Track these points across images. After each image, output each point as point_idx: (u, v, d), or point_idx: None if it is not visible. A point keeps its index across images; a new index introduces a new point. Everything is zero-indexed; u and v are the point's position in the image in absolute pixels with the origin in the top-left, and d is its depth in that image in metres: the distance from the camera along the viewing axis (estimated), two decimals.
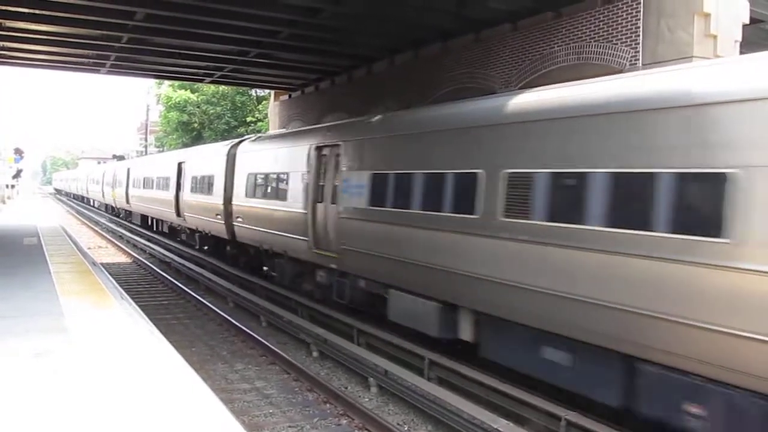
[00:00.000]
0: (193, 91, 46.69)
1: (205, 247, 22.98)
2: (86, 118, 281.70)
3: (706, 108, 6.47)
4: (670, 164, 6.64)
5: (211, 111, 46.13)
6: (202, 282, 18.64)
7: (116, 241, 29.62)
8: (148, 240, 29.07)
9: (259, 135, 22.38)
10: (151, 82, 56.64)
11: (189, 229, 24.59)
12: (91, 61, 21.93)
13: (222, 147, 21.17)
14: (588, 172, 7.50)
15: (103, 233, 33.85)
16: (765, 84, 6.11)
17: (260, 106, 43.76)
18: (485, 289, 8.89)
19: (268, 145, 17.72)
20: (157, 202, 28.90)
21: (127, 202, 36.59)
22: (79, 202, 69.27)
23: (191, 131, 47.87)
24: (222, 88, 43.61)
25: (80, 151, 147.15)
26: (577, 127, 7.82)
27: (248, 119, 44.33)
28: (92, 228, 37.54)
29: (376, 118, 13.12)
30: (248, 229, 17.60)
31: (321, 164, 13.72)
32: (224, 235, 19.63)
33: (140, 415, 4.93)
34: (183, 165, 24.98)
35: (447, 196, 9.81)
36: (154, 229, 31.50)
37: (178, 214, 25.05)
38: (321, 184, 13.64)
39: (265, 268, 17.49)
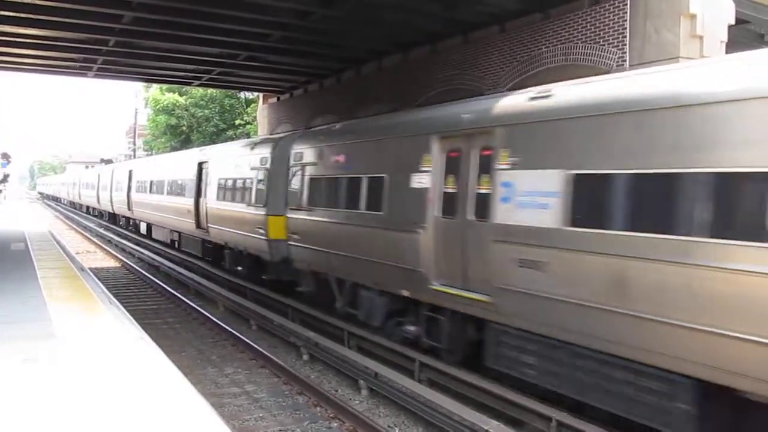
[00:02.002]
0: (181, 94, 46.52)
1: (106, 218, 42.36)
2: (74, 122, 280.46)
3: None
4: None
5: (200, 114, 45.97)
6: (191, 286, 18.57)
7: (105, 246, 29.47)
8: (137, 244, 28.95)
9: (116, 164, 47.83)
10: (139, 86, 56.38)
11: (103, 210, 43.22)
12: (78, 64, 21.83)
13: (108, 167, 44.09)
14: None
15: (92, 238, 33.66)
16: None
17: (249, 108, 43.63)
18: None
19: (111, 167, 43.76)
20: (91, 197, 47.65)
21: (79, 198, 56.33)
22: (60, 204, 76.03)
23: (179, 134, 47.70)
24: (210, 91, 43.49)
25: (68, 155, 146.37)
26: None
27: (237, 122, 44.19)
28: (80, 233, 37.33)
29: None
30: (119, 206, 35.91)
31: (130, 179, 33.02)
32: (111, 210, 39.25)
33: (130, 421, 4.90)
34: (100, 175, 43.44)
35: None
36: (90, 213, 50.71)
37: (98, 202, 44.05)
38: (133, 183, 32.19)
39: (120, 222, 37.00)
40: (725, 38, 12.00)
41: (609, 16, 12.74)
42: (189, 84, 29.75)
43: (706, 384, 6.17)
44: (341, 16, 15.41)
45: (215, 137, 42.84)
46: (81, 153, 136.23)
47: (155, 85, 46.72)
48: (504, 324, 8.46)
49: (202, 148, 26.17)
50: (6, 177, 54.21)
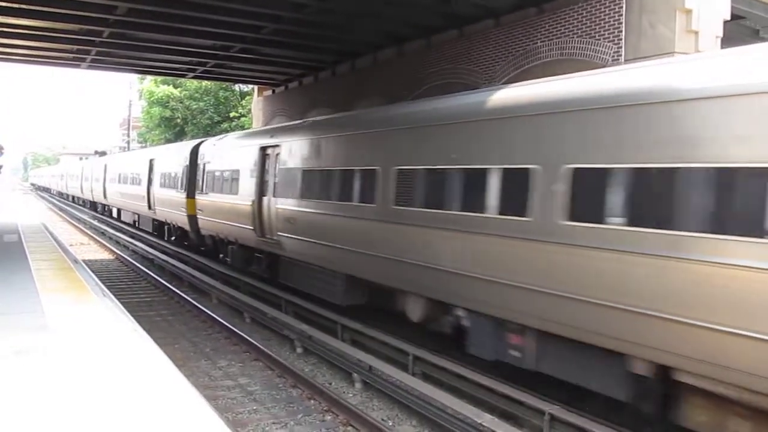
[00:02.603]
0: (175, 86, 46.31)
1: (87, 206, 48.84)
2: (69, 114, 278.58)
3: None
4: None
5: (194, 106, 45.78)
6: (185, 279, 18.55)
7: (98, 238, 29.39)
8: (131, 237, 28.87)
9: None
10: (133, 77, 56.07)
11: (85, 199, 49.14)
12: (72, 55, 21.70)
13: (89, 162, 50.45)
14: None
15: (86, 230, 33.56)
16: None
17: (244, 101, 43.47)
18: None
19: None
20: (75, 187, 54.63)
21: (66, 189, 64.30)
22: (50, 194, 79.97)
23: (174, 127, 47.49)
24: (205, 83, 43.31)
25: (62, 146, 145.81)
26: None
27: (231, 114, 44.04)
28: (74, 225, 37.21)
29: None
30: (97, 194, 41.81)
31: (105, 172, 38.17)
32: (91, 198, 45.49)
33: (123, 413, 4.89)
34: (83, 168, 49.69)
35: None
36: (75, 201, 57.46)
37: (81, 192, 50.10)
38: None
39: (98, 209, 42.39)
40: (720, 33, 12.02)
41: (604, 11, 12.73)
42: (183, 76, 29.64)
43: (352, 276, 11.86)
44: (336, 9, 15.37)
45: (210, 129, 42.69)
46: (75, 145, 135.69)
47: (149, 77, 46.50)
48: (285, 256, 14.46)
49: (153, 147, 35.06)
50: None
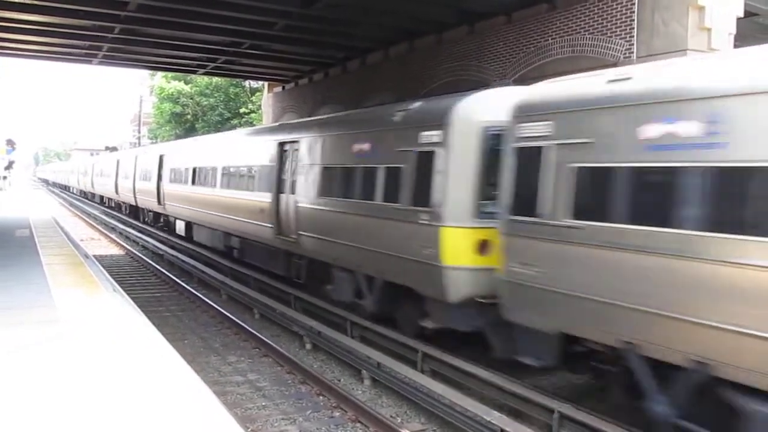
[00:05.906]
0: (186, 83, 46.48)
1: (95, 199, 50.78)
2: (80, 110, 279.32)
3: None
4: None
5: (205, 102, 45.96)
6: (195, 274, 18.58)
7: (109, 233, 29.51)
8: (141, 232, 28.98)
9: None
10: (144, 74, 56.39)
11: (95, 192, 50.27)
12: (84, 51, 21.81)
13: (94, 159, 55.25)
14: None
15: (96, 225, 33.73)
16: None
17: (254, 97, 43.58)
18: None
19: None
20: (85, 182, 56.17)
21: (57, 180, 70.83)
22: (65, 192, 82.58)
23: (184, 123, 47.71)
24: (215, 79, 43.44)
25: (73, 142, 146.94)
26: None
27: (242, 111, 44.16)
28: (85, 220, 37.41)
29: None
30: (104, 189, 43.50)
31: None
32: (96, 192, 48.03)
33: (133, 407, 4.91)
34: (94, 165, 49.97)
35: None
36: (76, 193, 63.51)
37: (92, 187, 50.47)
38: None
39: (97, 200, 46.99)
40: (734, 30, 11.92)
41: (616, 8, 12.66)
42: (194, 72, 29.75)
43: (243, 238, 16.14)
44: (346, 4, 15.36)
45: (220, 126, 42.82)
46: (87, 140, 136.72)
47: (160, 73, 46.70)
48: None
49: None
50: (11, 164, 54.27)
